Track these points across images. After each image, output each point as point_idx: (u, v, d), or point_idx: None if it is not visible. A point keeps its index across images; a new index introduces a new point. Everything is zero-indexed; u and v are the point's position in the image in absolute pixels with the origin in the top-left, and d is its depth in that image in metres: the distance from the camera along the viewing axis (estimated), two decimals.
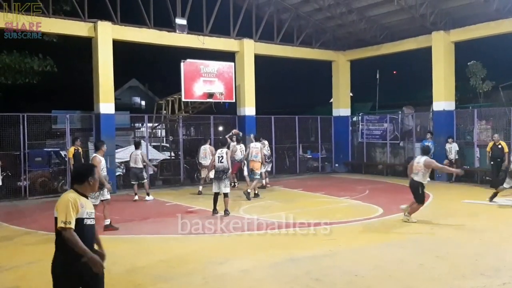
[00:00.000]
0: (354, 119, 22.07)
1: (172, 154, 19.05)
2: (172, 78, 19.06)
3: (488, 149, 14.71)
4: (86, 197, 4.09)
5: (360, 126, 21.28)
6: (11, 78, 16.90)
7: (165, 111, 17.48)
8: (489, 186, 14.46)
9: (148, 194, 13.66)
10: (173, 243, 8.47)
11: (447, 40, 17.01)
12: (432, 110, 17.86)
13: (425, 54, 17.82)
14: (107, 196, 9.35)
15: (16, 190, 14.12)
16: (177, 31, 16.61)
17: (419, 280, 6.17)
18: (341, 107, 21.48)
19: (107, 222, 9.46)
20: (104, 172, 9.26)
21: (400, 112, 20.36)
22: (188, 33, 16.86)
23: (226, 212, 10.56)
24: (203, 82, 16.06)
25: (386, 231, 9.23)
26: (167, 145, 20.10)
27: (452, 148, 16.32)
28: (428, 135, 17.39)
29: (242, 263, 7.04)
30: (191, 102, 16.52)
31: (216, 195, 10.83)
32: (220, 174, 10.76)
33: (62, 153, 15.68)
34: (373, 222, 9.97)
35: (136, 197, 13.52)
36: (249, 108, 18.26)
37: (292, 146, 20.66)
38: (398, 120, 19.86)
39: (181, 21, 16.66)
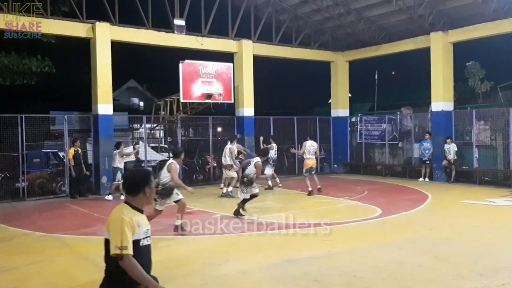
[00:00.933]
0: (353, 119, 22.08)
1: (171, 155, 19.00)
2: (171, 79, 19.07)
3: None
4: (141, 211, 3.44)
5: (359, 127, 21.28)
6: (9, 79, 16.88)
7: (163, 112, 17.47)
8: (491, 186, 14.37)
9: (109, 194, 13.82)
10: (171, 244, 8.45)
11: (445, 41, 17.01)
12: (431, 110, 17.88)
13: (424, 55, 17.83)
14: (179, 196, 9.06)
15: (15, 191, 14.09)
16: (176, 32, 16.60)
17: (418, 281, 6.16)
18: (340, 107, 21.49)
19: (178, 222, 9.09)
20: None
21: (398, 112, 20.36)
22: (186, 34, 16.84)
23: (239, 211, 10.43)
24: (201, 83, 16.06)
25: (385, 231, 9.22)
26: (166, 146, 20.07)
27: (451, 149, 16.35)
28: (427, 136, 17.42)
29: (241, 264, 7.03)
30: (189, 103, 16.52)
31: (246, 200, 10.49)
32: (245, 181, 10.49)
33: (61, 154, 15.66)
34: (372, 223, 9.96)
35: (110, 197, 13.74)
36: (247, 109, 18.25)
37: (290, 147, 20.61)
38: (397, 121, 19.86)
39: (179, 22, 16.65)
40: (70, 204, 13.30)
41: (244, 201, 10.47)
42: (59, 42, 16.63)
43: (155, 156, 17.55)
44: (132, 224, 3.24)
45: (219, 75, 16.55)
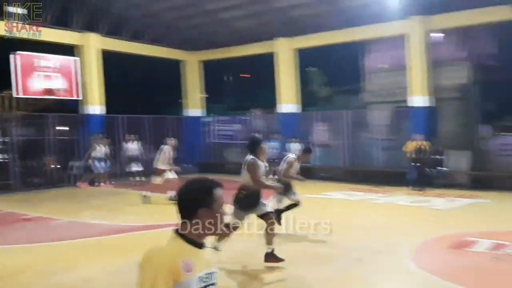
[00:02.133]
0: (207, 120, 22.18)
1: (5, 156, 17.00)
2: (6, 72, 17.08)
3: None
4: (200, 245, 2.17)
5: (212, 127, 21.47)
6: None
7: None
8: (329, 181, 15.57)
9: None
10: (9, 253, 7.63)
11: (290, 47, 18.05)
12: (276, 112, 18.79)
13: (273, 59, 18.69)
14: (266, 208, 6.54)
15: None
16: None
17: None
18: (193, 107, 21.45)
19: (269, 250, 6.44)
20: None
21: (249, 113, 21.10)
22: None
23: None
24: (40, 77, 14.75)
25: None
26: None
27: (294, 148, 17.43)
28: (275, 135, 18.27)
29: (85, 272, 6.51)
30: (26, 99, 14.99)
31: None
32: None
33: None
34: None
35: None
36: (95, 107, 17.19)
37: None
38: (248, 122, 20.55)
39: (15, 9, 14.92)
40: None
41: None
42: None
43: None
44: (174, 270, 2.02)
45: (62, 69, 15.34)
